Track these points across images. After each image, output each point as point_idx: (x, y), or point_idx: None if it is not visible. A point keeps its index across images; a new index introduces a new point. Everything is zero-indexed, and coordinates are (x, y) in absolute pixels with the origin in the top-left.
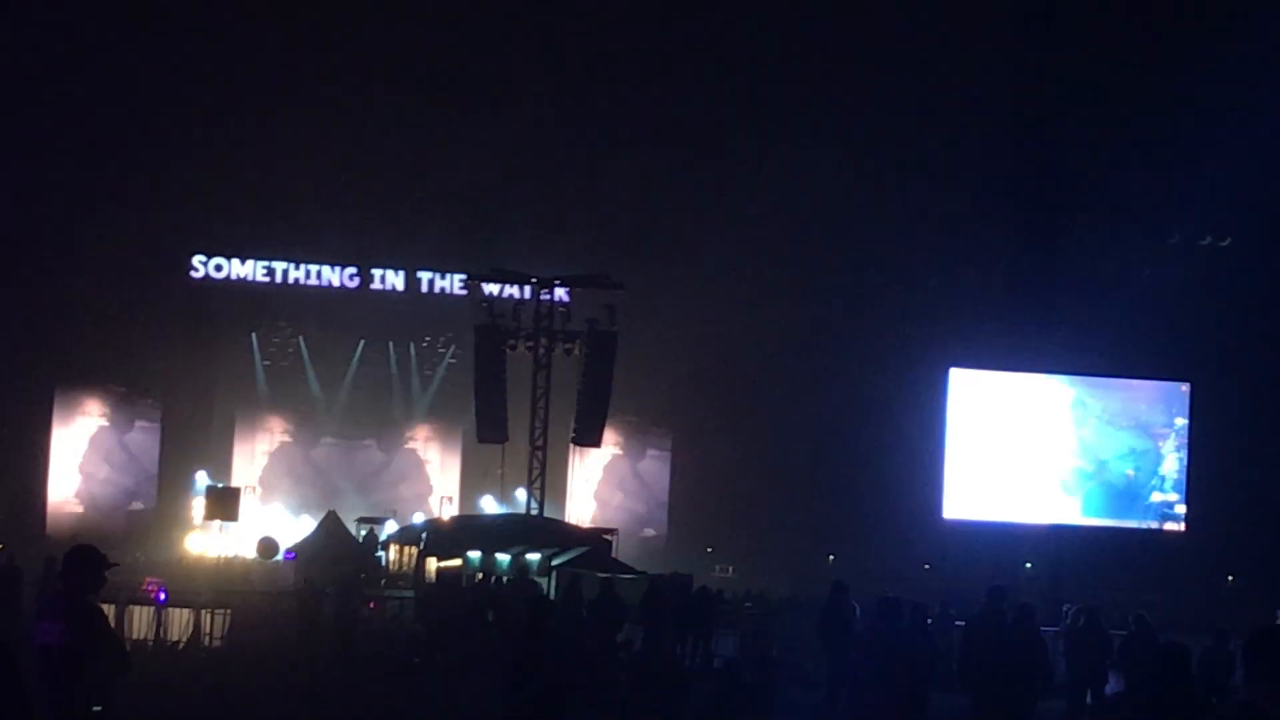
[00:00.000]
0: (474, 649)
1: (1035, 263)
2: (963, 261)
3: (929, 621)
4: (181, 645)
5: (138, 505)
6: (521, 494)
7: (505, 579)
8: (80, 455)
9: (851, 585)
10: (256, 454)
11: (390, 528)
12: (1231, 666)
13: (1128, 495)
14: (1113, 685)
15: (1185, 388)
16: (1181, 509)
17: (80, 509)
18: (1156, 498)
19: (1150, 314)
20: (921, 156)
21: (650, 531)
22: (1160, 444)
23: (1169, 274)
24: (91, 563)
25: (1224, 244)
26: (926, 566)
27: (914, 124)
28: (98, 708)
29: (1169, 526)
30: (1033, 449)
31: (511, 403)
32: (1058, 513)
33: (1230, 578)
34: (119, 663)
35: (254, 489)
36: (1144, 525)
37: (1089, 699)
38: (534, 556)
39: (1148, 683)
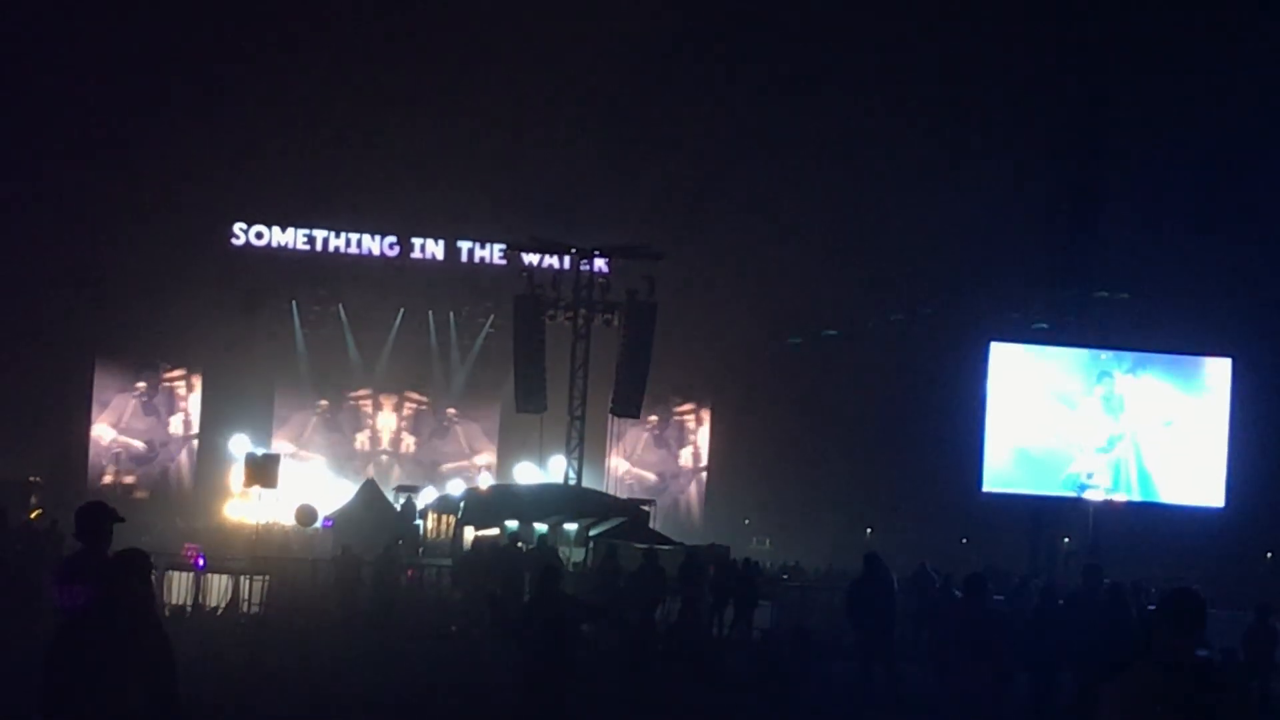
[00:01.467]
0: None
1: (1078, 235)
2: (1004, 237)
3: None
4: (220, 611)
5: (177, 471)
6: (560, 463)
7: (525, 548)
8: (121, 421)
9: (888, 559)
10: (295, 420)
11: (428, 495)
12: (1275, 641)
13: (1165, 472)
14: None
15: (1227, 363)
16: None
17: (121, 474)
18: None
19: (1195, 289)
20: (965, 132)
21: (688, 502)
22: (1197, 421)
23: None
24: (97, 518)
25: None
26: (964, 540)
27: (958, 99)
28: None
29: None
30: (1072, 424)
31: (550, 373)
32: (1096, 489)
33: (1269, 554)
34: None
35: (293, 455)
36: (1181, 503)
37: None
38: (571, 526)
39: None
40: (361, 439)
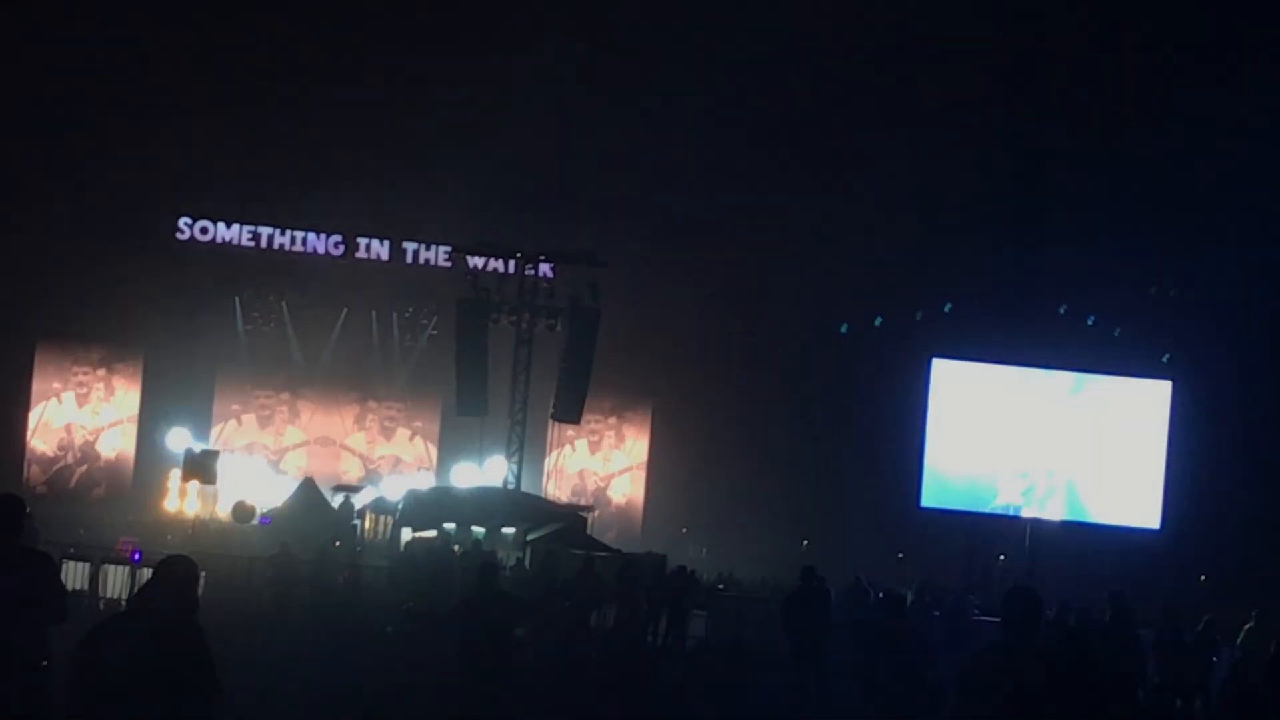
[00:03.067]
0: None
1: (1020, 253)
2: (949, 252)
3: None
4: None
5: (115, 463)
6: (499, 467)
7: (459, 549)
8: (59, 411)
9: (824, 571)
10: (235, 415)
11: (367, 495)
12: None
13: (1102, 493)
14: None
15: (1167, 385)
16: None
17: (57, 465)
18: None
19: (1136, 311)
20: (910, 146)
21: (626, 510)
22: (1135, 442)
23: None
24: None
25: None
26: (900, 555)
27: (904, 110)
28: (44, 662)
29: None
30: (1011, 441)
31: (492, 377)
32: (1033, 506)
33: (1202, 577)
34: (59, 613)
35: (232, 451)
36: (1117, 524)
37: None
38: (510, 530)
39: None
40: (301, 436)
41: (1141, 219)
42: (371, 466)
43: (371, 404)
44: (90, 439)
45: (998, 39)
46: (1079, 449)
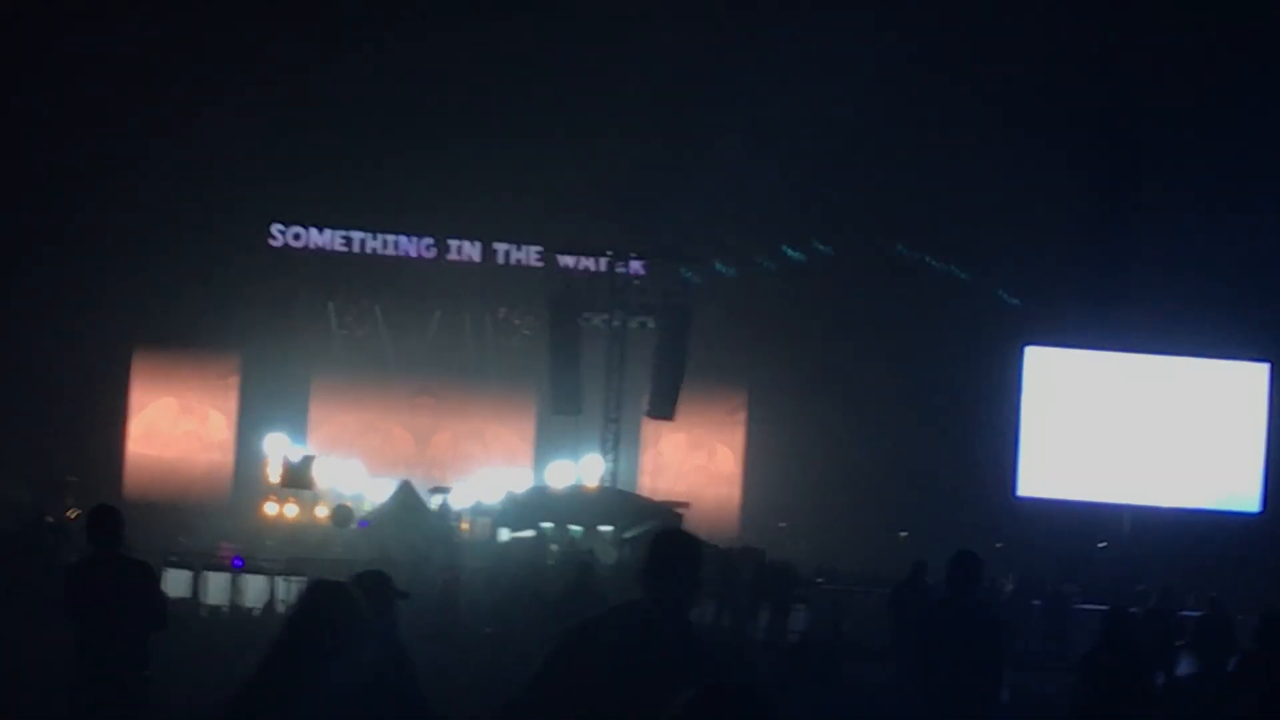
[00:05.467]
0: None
1: (1113, 238)
2: (1039, 238)
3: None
4: (257, 612)
5: (214, 469)
6: (595, 465)
7: (556, 549)
8: (158, 418)
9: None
10: (332, 420)
11: (464, 495)
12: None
13: (1200, 477)
14: (1184, 667)
15: (1265, 368)
16: (1254, 492)
17: (157, 473)
18: (1228, 480)
19: (1231, 293)
20: (998, 134)
21: (724, 505)
22: (1234, 426)
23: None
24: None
25: None
26: (999, 545)
27: (991, 99)
28: (146, 671)
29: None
30: (1107, 428)
31: (586, 375)
32: (1132, 493)
33: None
34: (159, 621)
35: (330, 455)
36: (1217, 508)
37: (1159, 679)
38: (606, 529)
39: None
40: (397, 439)
41: (1236, 200)
42: (468, 467)
43: (466, 405)
44: (189, 445)
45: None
46: (1176, 433)
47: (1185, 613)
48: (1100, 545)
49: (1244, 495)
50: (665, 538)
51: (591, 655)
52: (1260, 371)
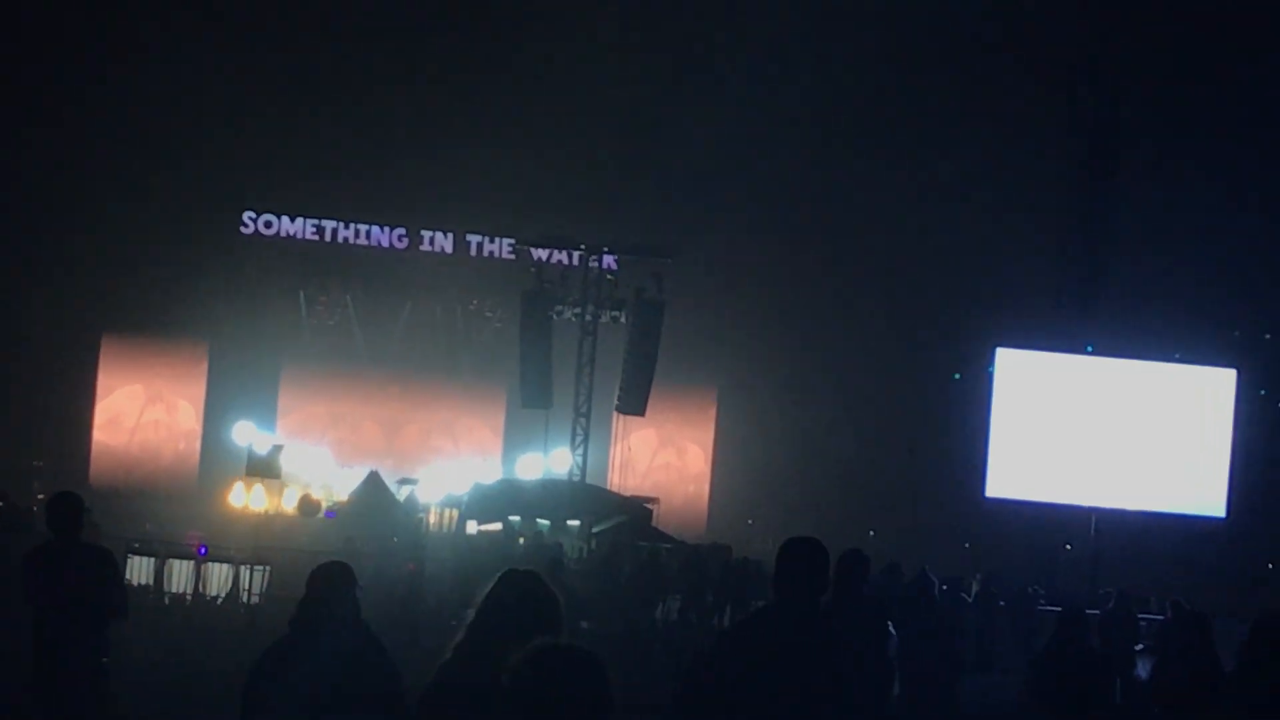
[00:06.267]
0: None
1: (1085, 243)
2: (1012, 240)
3: None
4: (220, 601)
5: (181, 457)
6: (564, 459)
7: (523, 542)
8: (125, 405)
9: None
10: (300, 409)
11: (432, 487)
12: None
13: (1167, 482)
14: (1139, 670)
15: (1232, 374)
16: (1219, 497)
17: (124, 459)
18: (1193, 486)
19: (1200, 300)
20: (972, 135)
21: (692, 501)
22: (1200, 430)
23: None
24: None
25: None
26: (966, 545)
27: (966, 99)
28: (105, 658)
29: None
30: (1076, 431)
31: (556, 369)
32: (1099, 496)
33: (1270, 565)
34: (120, 609)
35: (298, 444)
36: (1182, 512)
37: (1118, 682)
38: (574, 523)
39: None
40: (366, 430)
41: (1207, 208)
42: (437, 459)
43: (436, 396)
44: (156, 433)
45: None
46: (1144, 438)
47: (1148, 616)
48: (1066, 548)
49: (1209, 500)
50: (793, 546)
51: (743, 655)
52: (1227, 377)
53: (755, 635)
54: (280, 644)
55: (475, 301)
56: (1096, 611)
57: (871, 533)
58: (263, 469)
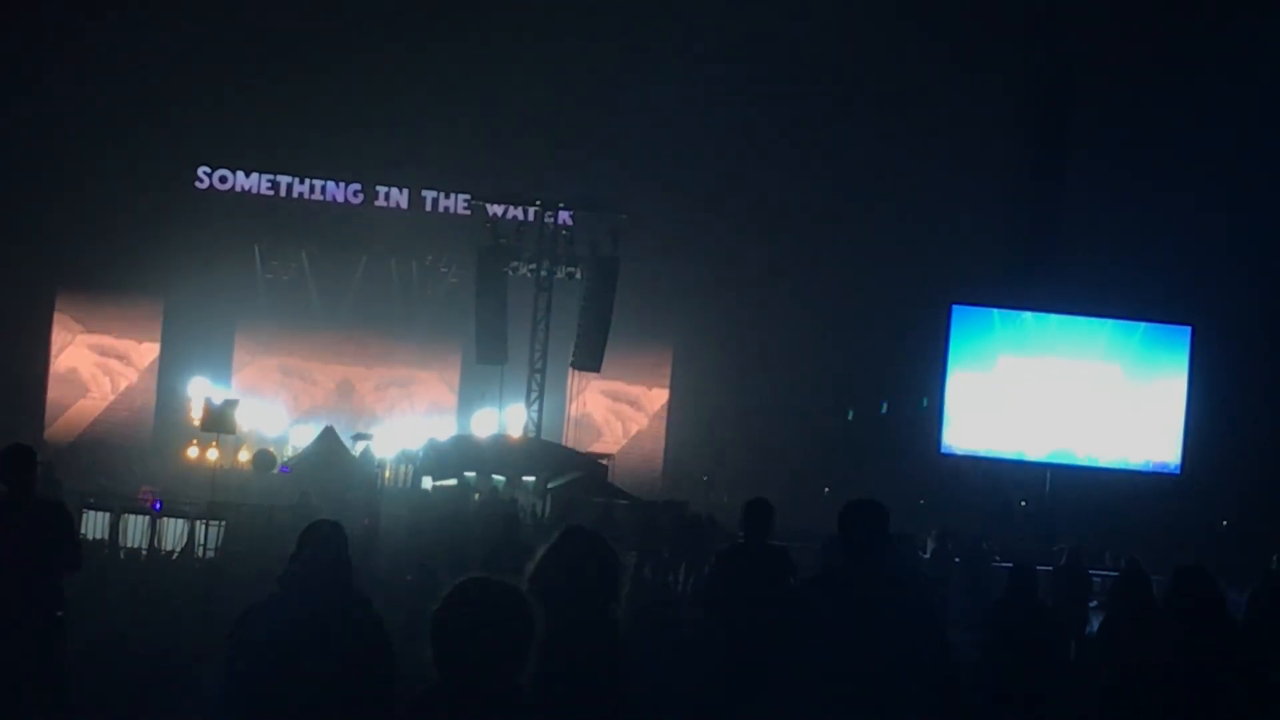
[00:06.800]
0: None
1: (1041, 201)
2: (967, 198)
3: None
4: (175, 555)
5: (136, 412)
6: (519, 415)
7: (478, 498)
8: (80, 360)
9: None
10: (255, 364)
11: (387, 442)
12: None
13: (1122, 438)
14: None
15: (1187, 331)
16: (1174, 454)
17: (78, 415)
18: (1148, 441)
19: (1155, 258)
20: (929, 95)
21: (647, 457)
22: (1158, 386)
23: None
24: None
25: None
26: (922, 501)
27: (917, 57)
28: (59, 612)
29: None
30: (1032, 387)
31: (512, 325)
32: (1054, 452)
33: (1224, 522)
34: (74, 562)
35: (253, 399)
36: (1137, 468)
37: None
38: (530, 479)
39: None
40: (321, 385)
41: (1162, 165)
42: (391, 414)
43: (391, 352)
44: (111, 388)
45: None
46: (1099, 394)
47: (1102, 572)
48: (1021, 504)
49: (1164, 457)
50: (854, 507)
51: (827, 605)
52: (1182, 335)
53: (835, 594)
54: (268, 601)
55: (430, 257)
56: (1050, 568)
57: (826, 489)
58: (218, 423)
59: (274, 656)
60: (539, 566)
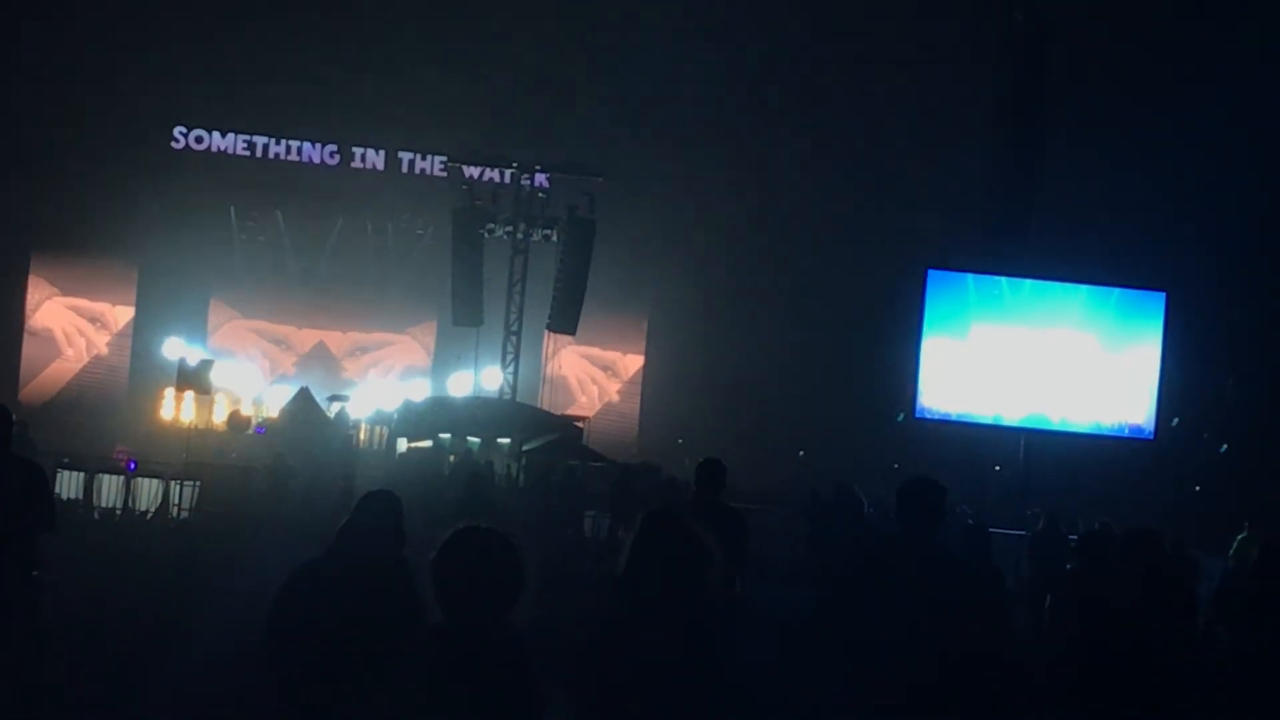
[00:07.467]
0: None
1: (1018, 166)
2: (944, 162)
3: None
4: (150, 515)
5: (111, 373)
6: (495, 377)
7: (453, 459)
8: (55, 320)
9: (819, 482)
10: (231, 325)
11: (362, 404)
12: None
13: (1096, 403)
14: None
15: (1161, 297)
16: (1147, 418)
17: (54, 375)
18: (1122, 405)
19: (1130, 223)
20: (907, 61)
21: (620, 420)
22: (1131, 352)
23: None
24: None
25: None
26: (896, 466)
27: (895, 20)
28: (35, 572)
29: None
30: (1007, 352)
31: (488, 287)
32: (1029, 416)
33: (1197, 488)
34: (49, 522)
35: (228, 359)
36: (1111, 432)
37: (1048, 603)
38: (504, 441)
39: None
40: (296, 346)
41: (1138, 132)
42: (366, 375)
43: (367, 313)
44: (86, 349)
45: None
46: (1073, 359)
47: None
48: (996, 469)
49: (1138, 421)
50: (912, 485)
51: (874, 574)
52: (1156, 300)
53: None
54: (313, 563)
55: (406, 219)
56: (1025, 533)
57: (801, 453)
58: (193, 384)
59: (315, 619)
60: (633, 551)
